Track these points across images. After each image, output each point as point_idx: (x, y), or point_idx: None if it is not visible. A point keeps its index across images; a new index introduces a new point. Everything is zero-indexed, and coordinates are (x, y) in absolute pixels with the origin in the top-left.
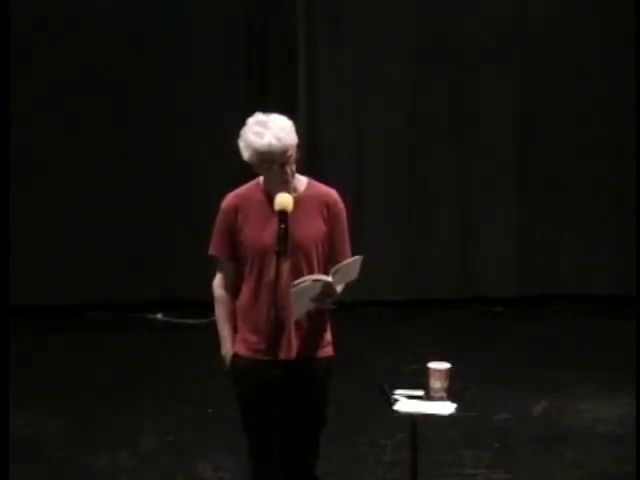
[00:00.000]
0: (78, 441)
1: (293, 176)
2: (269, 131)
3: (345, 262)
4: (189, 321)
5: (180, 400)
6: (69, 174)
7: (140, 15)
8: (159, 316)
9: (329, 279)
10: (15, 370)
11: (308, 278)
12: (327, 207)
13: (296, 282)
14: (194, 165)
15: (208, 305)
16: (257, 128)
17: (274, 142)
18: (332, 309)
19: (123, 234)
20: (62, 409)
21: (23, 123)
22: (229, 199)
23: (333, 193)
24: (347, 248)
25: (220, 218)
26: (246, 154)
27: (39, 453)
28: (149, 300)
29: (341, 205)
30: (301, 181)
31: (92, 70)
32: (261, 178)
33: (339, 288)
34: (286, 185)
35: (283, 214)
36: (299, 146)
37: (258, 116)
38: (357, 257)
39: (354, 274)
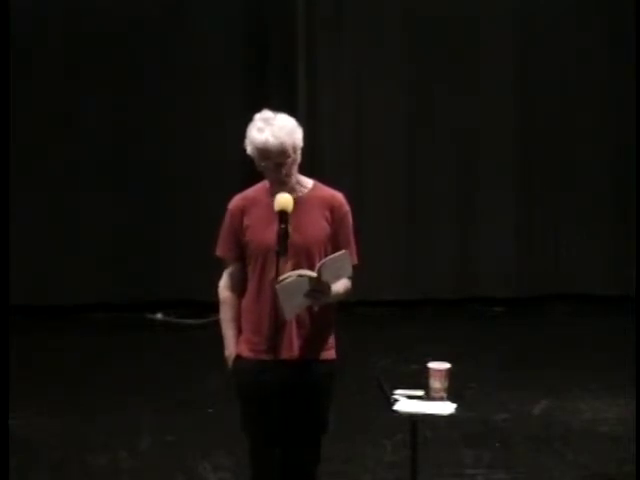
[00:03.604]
0: (78, 441)
1: (291, 178)
2: (269, 128)
3: (331, 256)
4: (189, 321)
5: (180, 400)
6: (69, 174)
7: (140, 15)
8: (159, 316)
9: (314, 274)
10: (15, 370)
11: (293, 273)
12: (331, 210)
13: (280, 278)
14: (194, 165)
15: (208, 305)
16: (260, 124)
17: (271, 139)
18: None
19: (123, 234)
20: (62, 409)
21: (23, 123)
22: (235, 201)
23: (339, 196)
24: (353, 251)
25: (226, 220)
26: (248, 148)
27: (39, 453)
28: (149, 300)
29: (346, 208)
30: (306, 183)
31: (92, 70)
32: (267, 180)
33: (338, 286)
34: (284, 185)
35: (283, 214)
36: (302, 149)
37: (265, 112)
38: (343, 251)
39: (347, 271)
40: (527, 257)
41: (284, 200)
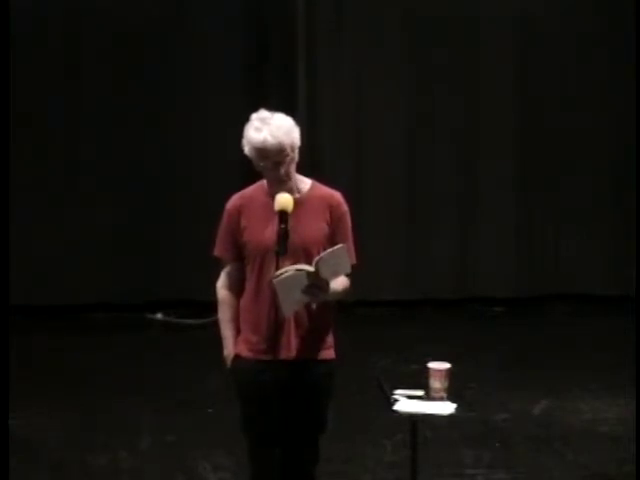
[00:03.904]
0: (78, 441)
1: (289, 177)
2: (267, 127)
3: (328, 251)
4: (189, 321)
5: (180, 400)
6: (69, 174)
7: (140, 15)
8: (159, 316)
9: (311, 268)
10: (15, 370)
11: (290, 268)
12: (330, 209)
13: (278, 272)
14: (194, 165)
15: (208, 305)
16: (257, 123)
17: (269, 139)
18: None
19: (123, 234)
20: (62, 409)
21: (23, 123)
22: (233, 200)
23: (337, 195)
24: (351, 250)
25: (224, 219)
26: (246, 148)
27: (39, 453)
28: (149, 300)
29: (345, 207)
30: (304, 182)
31: (92, 70)
32: (265, 180)
33: (337, 284)
34: (282, 185)
35: (283, 214)
36: (300, 148)
37: (262, 112)
38: (340, 245)
39: (345, 267)
40: (527, 257)
41: (284, 200)
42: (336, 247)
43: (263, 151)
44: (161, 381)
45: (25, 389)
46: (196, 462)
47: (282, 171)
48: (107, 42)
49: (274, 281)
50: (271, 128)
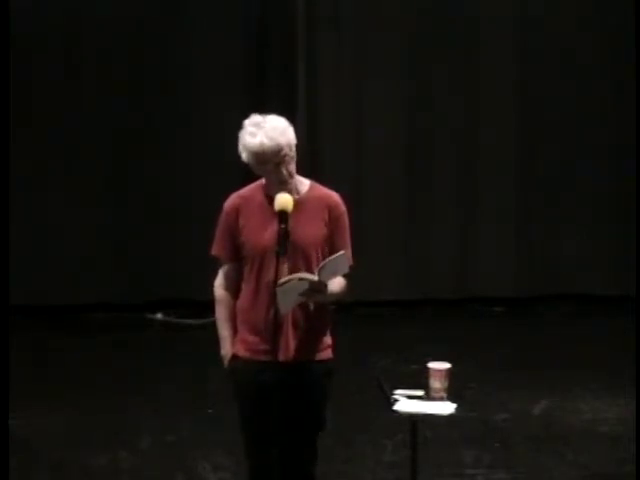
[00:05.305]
0: (78, 441)
1: (291, 176)
2: (262, 131)
3: (330, 258)
4: (189, 321)
5: (180, 400)
6: (69, 174)
7: (140, 15)
8: (159, 316)
9: (315, 278)
10: (15, 370)
11: (294, 277)
12: (328, 210)
13: (281, 281)
14: (194, 165)
15: (208, 305)
16: (251, 129)
17: (266, 142)
18: (332, 310)
19: (123, 234)
20: (62, 409)
21: (23, 123)
22: (231, 200)
23: (335, 196)
24: (348, 251)
25: (222, 218)
26: (243, 155)
27: (39, 453)
28: (149, 300)
29: (343, 208)
30: (303, 183)
31: (92, 70)
32: (263, 179)
33: (334, 285)
34: (284, 185)
35: (283, 214)
36: (297, 147)
37: (254, 117)
38: (341, 252)
39: (343, 268)
40: (527, 257)
41: (284, 200)
42: (338, 254)
43: (262, 155)
44: (161, 381)
45: (25, 389)
46: (196, 462)
47: (284, 171)
48: (107, 42)
49: (277, 289)
50: (266, 131)
